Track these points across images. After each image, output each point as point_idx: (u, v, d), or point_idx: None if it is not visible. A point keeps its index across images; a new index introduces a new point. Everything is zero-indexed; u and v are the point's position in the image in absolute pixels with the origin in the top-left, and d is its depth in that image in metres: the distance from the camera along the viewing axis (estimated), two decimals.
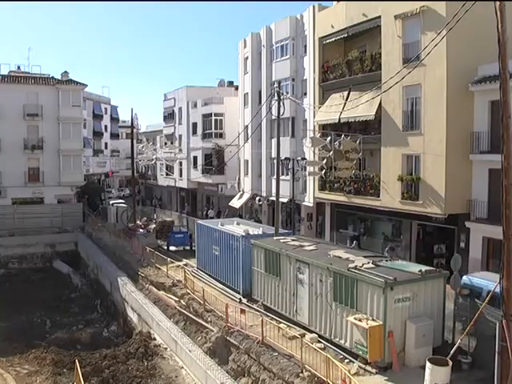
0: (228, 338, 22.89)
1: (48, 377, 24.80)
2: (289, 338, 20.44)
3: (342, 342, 19.45)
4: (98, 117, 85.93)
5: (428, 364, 15.61)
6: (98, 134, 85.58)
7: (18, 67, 63.16)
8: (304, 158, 38.33)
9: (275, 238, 28.03)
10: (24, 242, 50.39)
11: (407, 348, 17.99)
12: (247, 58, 49.51)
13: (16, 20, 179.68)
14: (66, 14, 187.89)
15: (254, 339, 21.44)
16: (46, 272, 47.96)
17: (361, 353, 18.00)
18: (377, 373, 17.57)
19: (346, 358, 18.83)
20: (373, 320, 17.78)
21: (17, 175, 55.14)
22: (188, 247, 43.32)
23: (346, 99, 34.02)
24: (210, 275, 33.28)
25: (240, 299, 27.85)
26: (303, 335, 20.43)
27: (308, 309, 21.92)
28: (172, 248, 43.64)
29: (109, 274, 38.46)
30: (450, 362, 15.75)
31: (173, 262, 36.21)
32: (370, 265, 19.66)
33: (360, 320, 17.92)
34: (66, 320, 34.79)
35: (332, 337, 20.16)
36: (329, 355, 17.17)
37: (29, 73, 61.25)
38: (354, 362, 18.34)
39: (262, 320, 21.43)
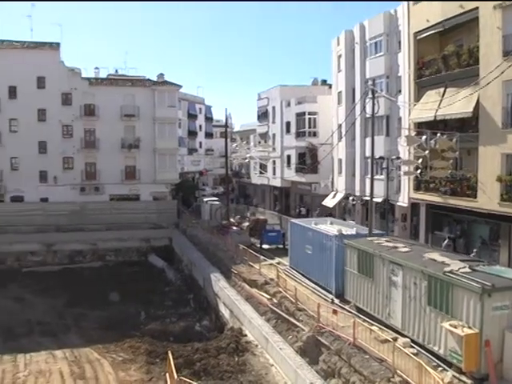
0: (319, 337, 22.79)
1: (142, 365, 25.76)
2: (381, 342, 20.08)
3: (436, 348, 18.91)
4: (192, 116, 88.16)
5: None
6: (192, 134, 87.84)
7: (116, 70, 65.98)
8: (399, 158, 37.57)
9: (369, 238, 27.77)
10: (120, 237, 52.69)
11: (505, 359, 17.11)
12: (340, 55, 49.04)
13: (113, 25, 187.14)
14: (160, 16, 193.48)
15: (345, 340, 21.21)
16: (141, 266, 49.93)
17: (455, 361, 17.42)
18: None
19: (440, 366, 18.26)
20: (469, 327, 17.14)
21: (114, 173, 57.94)
22: (281, 245, 43.62)
23: (442, 96, 32.96)
24: (302, 274, 33.34)
25: (332, 299, 27.77)
26: (395, 339, 20.10)
27: (401, 312, 21.51)
28: (265, 246, 44.05)
29: (202, 270, 39.19)
30: None
31: (265, 260, 36.55)
32: (467, 269, 18.96)
33: (455, 327, 17.33)
34: (160, 312, 35.95)
35: (425, 342, 19.65)
36: (421, 361, 16.76)
37: (126, 75, 63.72)
38: (447, 371, 17.77)
39: (353, 321, 21.23)
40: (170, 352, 23.05)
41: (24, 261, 50.30)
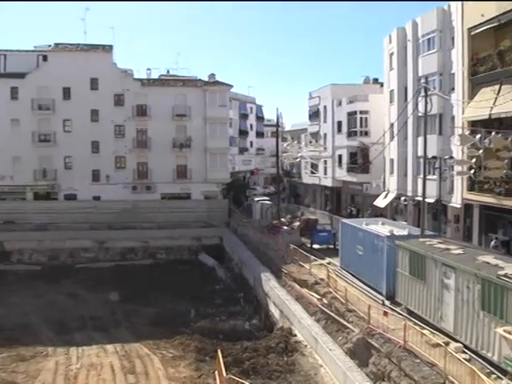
0: (369, 339, 22.48)
1: (191, 362, 25.99)
2: (432, 346, 19.68)
3: (489, 354, 18.34)
4: (243, 116, 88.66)
5: None
6: (243, 133, 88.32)
7: (168, 71, 67.20)
8: (452, 157, 36.75)
9: (421, 239, 27.34)
10: (172, 235, 53.42)
11: None
12: (392, 53, 48.28)
13: (165, 26, 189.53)
14: (211, 17, 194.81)
15: (395, 343, 20.87)
16: (192, 264, 50.44)
17: (510, 369, 16.86)
18: None
19: (493, 374, 17.70)
20: None
21: (166, 172, 58.88)
22: (331, 246, 43.35)
23: (498, 93, 31.97)
24: (352, 275, 33.12)
25: (383, 301, 27.48)
26: (447, 344, 19.64)
27: (453, 316, 21.03)
28: (315, 246, 43.86)
29: (252, 269, 39.24)
30: None
31: (316, 260, 36.33)
32: None
33: (510, 333, 16.78)
34: (210, 311, 36.16)
35: (478, 348, 19.11)
36: (474, 368, 16.30)
37: (177, 76, 64.62)
38: (502, 379, 17.21)
39: (404, 324, 20.90)
40: (219, 350, 23.29)
41: (77, 257, 51.77)
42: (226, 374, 20.24)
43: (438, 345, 19.37)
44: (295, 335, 27.71)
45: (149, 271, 47.45)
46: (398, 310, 25.58)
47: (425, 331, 21.20)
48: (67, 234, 52.42)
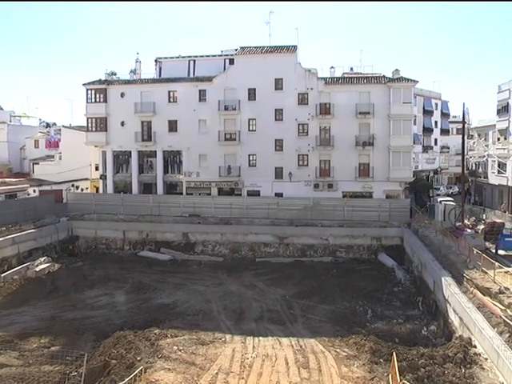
0: None
1: (365, 363, 25.89)
2: None
3: None
4: (428, 112, 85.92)
5: None
6: (427, 130, 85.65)
7: (351, 69, 67.52)
8: None
9: None
10: (352, 234, 53.69)
11: None
12: None
13: (348, 25, 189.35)
14: (394, 13, 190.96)
15: None
16: (371, 263, 50.40)
17: None
18: None
19: None
20: None
21: (347, 170, 59.24)
22: None
23: None
24: None
25: None
26: None
27: None
28: (501, 252, 41.33)
29: (432, 273, 37.94)
30: None
31: (501, 268, 34.30)
32: None
33: None
34: (387, 312, 35.98)
35: None
36: None
37: (361, 73, 64.70)
38: None
39: None
40: (394, 353, 23.09)
41: (257, 251, 54.12)
42: (400, 380, 19.94)
43: None
44: (475, 346, 26.29)
45: (327, 269, 48.06)
46: None
47: None
48: (249, 229, 55.03)
